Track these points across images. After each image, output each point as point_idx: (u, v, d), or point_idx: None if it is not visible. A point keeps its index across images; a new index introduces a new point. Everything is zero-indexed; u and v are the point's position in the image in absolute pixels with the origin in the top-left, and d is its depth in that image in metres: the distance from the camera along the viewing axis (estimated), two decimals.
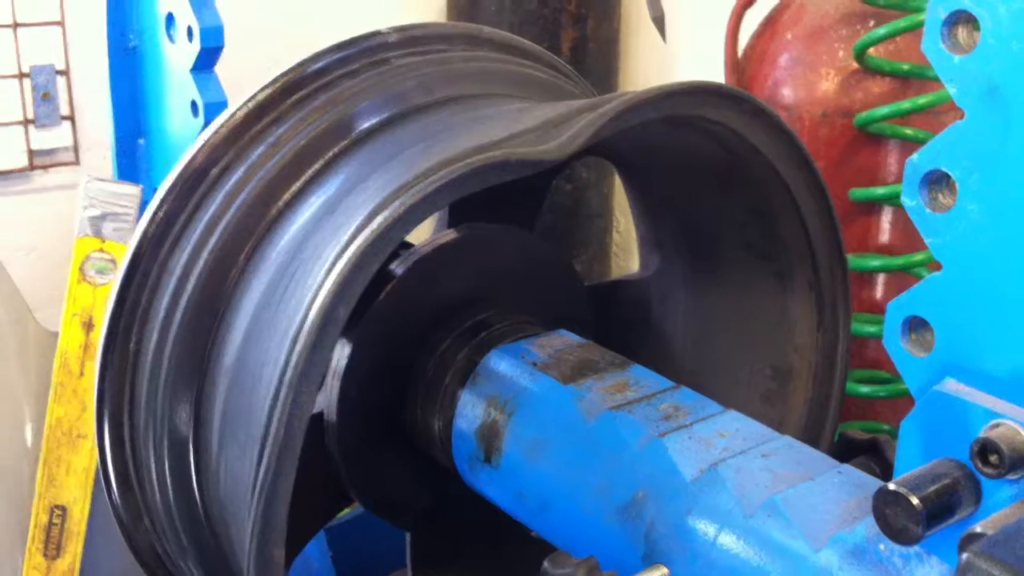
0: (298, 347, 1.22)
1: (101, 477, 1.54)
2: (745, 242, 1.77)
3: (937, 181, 0.97)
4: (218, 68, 1.96)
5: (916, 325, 1.02)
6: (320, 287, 1.23)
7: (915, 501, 0.94)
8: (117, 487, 1.54)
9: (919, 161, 0.97)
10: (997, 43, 0.90)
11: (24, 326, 2.60)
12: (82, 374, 2.35)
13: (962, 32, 0.92)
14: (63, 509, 2.36)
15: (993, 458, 0.94)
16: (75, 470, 2.36)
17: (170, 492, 1.49)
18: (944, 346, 1.00)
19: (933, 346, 1.01)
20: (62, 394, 2.35)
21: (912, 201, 0.98)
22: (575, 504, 1.44)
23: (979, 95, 0.91)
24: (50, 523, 2.36)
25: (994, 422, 0.95)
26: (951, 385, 0.99)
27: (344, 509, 1.84)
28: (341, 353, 1.60)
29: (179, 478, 1.48)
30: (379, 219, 1.23)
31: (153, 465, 1.49)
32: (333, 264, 1.24)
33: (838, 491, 1.28)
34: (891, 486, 0.95)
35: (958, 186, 0.95)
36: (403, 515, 1.77)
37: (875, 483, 1.28)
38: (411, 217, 1.24)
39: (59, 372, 2.35)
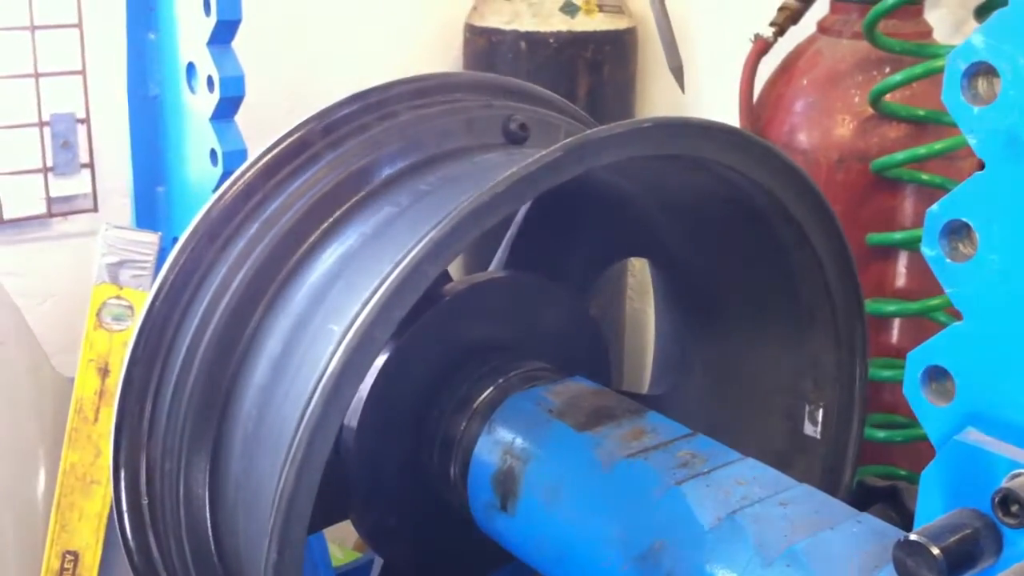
0: (314, 402, 1.21)
1: (115, 523, 1.54)
2: (763, 289, 1.77)
3: (957, 231, 0.97)
4: (238, 117, 1.98)
5: (937, 375, 1.01)
6: (340, 342, 1.23)
7: (936, 551, 0.93)
8: (132, 533, 1.54)
9: (939, 211, 0.97)
10: (1017, 94, 0.90)
11: (40, 372, 2.61)
12: (97, 420, 2.35)
13: (982, 83, 0.92)
14: (75, 555, 2.36)
15: (1015, 508, 0.94)
16: (88, 516, 2.36)
17: (185, 539, 1.48)
18: (965, 396, 0.99)
19: (954, 396, 1.00)
20: (76, 440, 2.35)
21: (932, 251, 0.98)
22: (592, 554, 1.44)
23: (1000, 146, 0.91)
24: (62, 568, 2.35)
25: (1015, 472, 0.95)
26: (972, 435, 0.98)
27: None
28: (357, 398, 1.60)
29: (194, 525, 1.47)
30: (388, 282, 1.23)
31: (168, 512, 1.49)
32: (354, 320, 1.23)
33: (858, 540, 1.27)
34: (912, 536, 0.95)
35: (978, 236, 0.95)
36: (416, 562, 1.76)
37: (895, 532, 1.27)
38: (425, 270, 1.24)
39: (74, 418, 2.35)
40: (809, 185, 1.59)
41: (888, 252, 2.33)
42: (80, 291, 2.37)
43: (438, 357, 1.67)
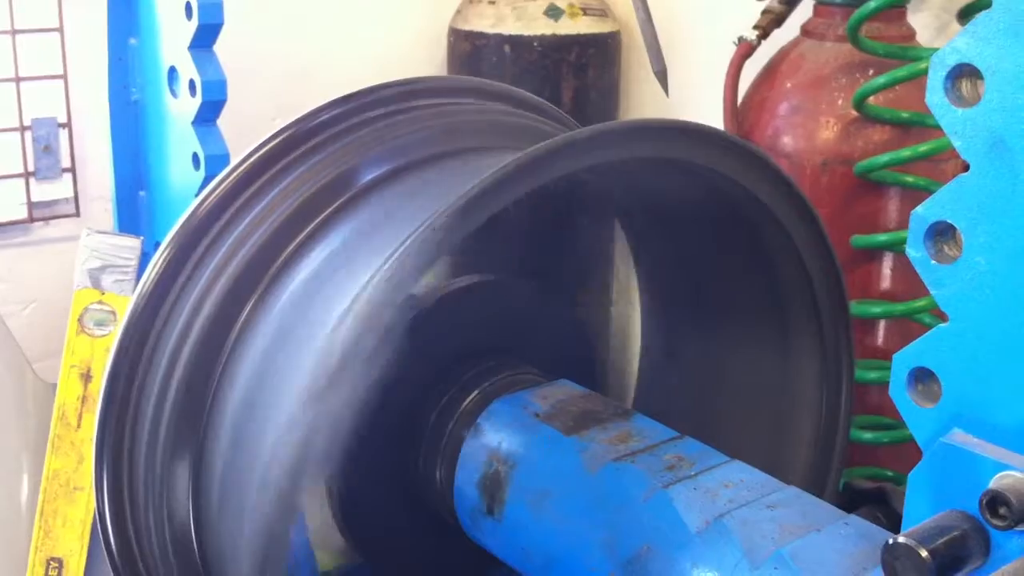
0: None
1: (98, 529, 1.53)
2: (748, 292, 1.77)
3: (943, 233, 0.97)
4: (220, 121, 1.97)
5: (923, 376, 1.01)
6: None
7: (924, 554, 0.93)
8: (115, 540, 1.52)
9: (924, 213, 0.97)
10: (1001, 96, 0.90)
11: (22, 378, 2.59)
12: (80, 426, 2.33)
13: (966, 85, 0.92)
14: (59, 561, 2.34)
15: (1002, 510, 0.93)
16: (72, 522, 2.34)
17: (168, 544, 1.47)
18: (951, 397, 0.99)
19: (940, 397, 1.00)
20: (59, 446, 2.34)
21: (917, 252, 0.98)
22: (579, 559, 1.43)
23: (984, 148, 0.91)
24: (47, 575, 2.34)
25: (1003, 474, 0.95)
26: (959, 436, 0.98)
27: None
28: None
29: (177, 531, 1.46)
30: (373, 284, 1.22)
31: (152, 518, 1.48)
32: (339, 324, 1.22)
33: (845, 543, 1.27)
34: (900, 538, 0.94)
35: (964, 238, 0.95)
36: (403, 567, 1.76)
37: (882, 534, 1.27)
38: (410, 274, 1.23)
39: (57, 424, 2.33)
40: (794, 189, 1.59)
41: (873, 254, 2.33)
42: (62, 296, 2.36)
43: (424, 361, 1.66)
